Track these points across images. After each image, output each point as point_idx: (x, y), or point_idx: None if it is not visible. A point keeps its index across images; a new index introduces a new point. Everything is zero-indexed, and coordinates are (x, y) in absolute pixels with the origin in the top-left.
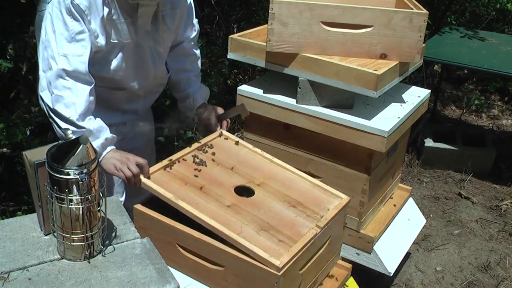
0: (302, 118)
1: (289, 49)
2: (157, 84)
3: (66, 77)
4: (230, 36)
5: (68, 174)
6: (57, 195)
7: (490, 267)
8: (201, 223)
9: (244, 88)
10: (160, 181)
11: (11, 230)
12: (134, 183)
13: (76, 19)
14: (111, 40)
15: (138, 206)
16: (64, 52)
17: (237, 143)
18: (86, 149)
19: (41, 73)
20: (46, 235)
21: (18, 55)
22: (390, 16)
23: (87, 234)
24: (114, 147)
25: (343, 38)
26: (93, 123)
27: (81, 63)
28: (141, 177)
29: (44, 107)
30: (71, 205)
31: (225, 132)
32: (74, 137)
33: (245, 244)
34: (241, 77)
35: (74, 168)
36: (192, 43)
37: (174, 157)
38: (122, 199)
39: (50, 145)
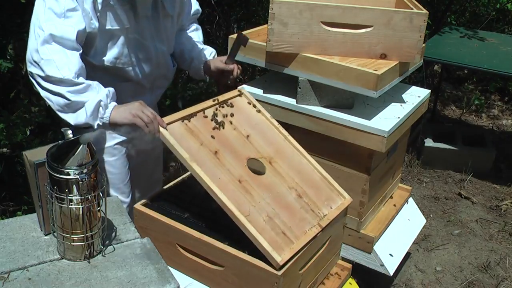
0: (302, 118)
1: (289, 49)
2: (161, 75)
3: (53, 43)
4: (230, 36)
5: (68, 174)
6: (57, 195)
7: (490, 267)
8: (212, 195)
9: (244, 88)
10: (177, 134)
11: (11, 230)
12: (153, 131)
13: None
14: (108, 27)
15: (138, 206)
16: (52, 22)
17: (258, 110)
18: (86, 149)
19: (28, 47)
20: (46, 235)
21: (18, 55)
22: (390, 16)
23: (87, 234)
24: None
25: (343, 38)
26: (91, 81)
27: (70, 31)
28: (161, 129)
29: (35, 84)
30: (71, 205)
31: (247, 94)
32: (72, 137)
33: (252, 231)
34: (241, 77)
35: (74, 168)
36: (190, 18)
37: (193, 109)
38: (128, 200)
39: (50, 145)
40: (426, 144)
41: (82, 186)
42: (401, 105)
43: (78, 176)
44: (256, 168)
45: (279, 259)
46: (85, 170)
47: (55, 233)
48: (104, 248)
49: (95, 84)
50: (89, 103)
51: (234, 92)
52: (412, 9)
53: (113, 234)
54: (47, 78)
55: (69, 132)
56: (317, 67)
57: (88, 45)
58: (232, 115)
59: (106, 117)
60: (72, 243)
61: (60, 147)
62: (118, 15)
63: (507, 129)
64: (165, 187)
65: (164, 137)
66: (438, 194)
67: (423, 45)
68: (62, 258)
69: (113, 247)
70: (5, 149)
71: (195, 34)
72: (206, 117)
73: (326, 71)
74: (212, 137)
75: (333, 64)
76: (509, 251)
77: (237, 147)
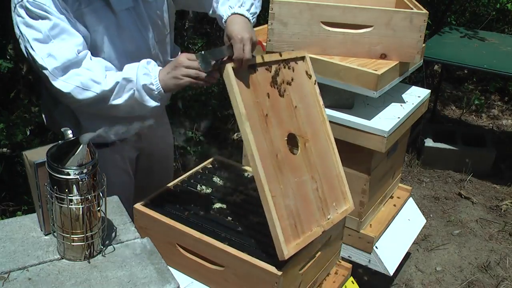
0: None
1: (289, 49)
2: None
3: (62, 73)
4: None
5: (68, 174)
6: (57, 195)
7: (490, 267)
8: (250, 162)
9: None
10: (240, 82)
11: (11, 230)
12: (209, 82)
13: (42, 18)
14: (88, 31)
15: (138, 206)
16: (48, 51)
17: (314, 82)
18: (86, 149)
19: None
20: (46, 235)
21: (18, 55)
22: (390, 16)
23: (87, 234)
24: (159, 67)
25: (343, 38)
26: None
27: (68, 50)
28: (227, 66)
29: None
30: (71, 205)
31: (308, 62)
32: (72, 137)
33: (273, 215)
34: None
35: (74, 168)
36: None
37: (260, 59)
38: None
39: (50, 145)
40: (426, 144)
41: (82, 186)
42: (401, 105)
43: (78, 176)
44: (292, 145)
45: (286, 252)
46: (85, 170)
47: (55, 233)
48: (104, 248)
49: (119, 75)
50: (136, 91)
51: (300, 53)
52: (412, 9)
53: (113, 234)
54: (82, 103)
55: (69, 132)
56: (317, 67)
57: None
58: (292, 79)
59: (157, 86)
60: (72, 243)
61: (60, 147)
62: (93, 17)
63: (507, 129)
64: (165, 187)
65: (227, 79)
66: (438, 194)
67: (423, 45)
68: (62, 258)
69: (113, 247)
70: (5, 149)
71: None
72: (269, 71)
73: (326, 71)
74: (268, 95)
75: (333, 64)
76: (509, 251)
77: (284, 117)
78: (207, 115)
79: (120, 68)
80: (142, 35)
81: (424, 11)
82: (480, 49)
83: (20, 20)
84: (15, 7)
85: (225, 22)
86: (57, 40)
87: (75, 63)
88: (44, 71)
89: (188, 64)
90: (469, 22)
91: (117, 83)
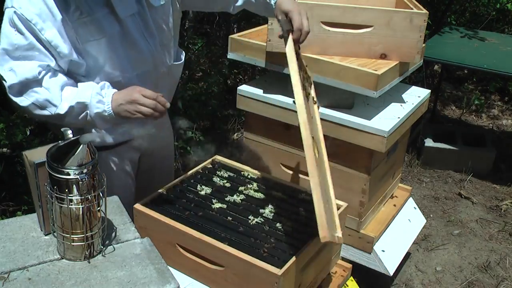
0: None
1: None
2: (163, 74)
3: (19, 89)
4: (230, 36)
5: (68, 174)
6: (57, 195)
7: (490, 267)
8: (305, 148)
9: (244, 88)
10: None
11: (11, 230)
12: (158, 115)
13: (20, 32)
14: (91, 40)
15: (138, 206)
16: (10, 65)
17: (318, 107)
18: (86, 149)
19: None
20: (46, 235)
21: None
22: (390, 16)
23: (87, 234)
24: (114, 90)
25: (343, 38)
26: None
27: (30, 70)
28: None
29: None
30: (71, 205)
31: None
32: (72, 137)
33: (316, 199)
34: (241, 77)
35: (74, 168)
36: None
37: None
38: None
39: (50, 145)
40: (426, 144)
41: (82, 186)
42: (401, 105)
43: (78, 176)
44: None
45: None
46: (85, 170)
47: (55, 233)
48: (104, 248)
49: (73, 98)
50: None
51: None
52: (412, 9)
53: (113, 234)
54: (43, 119)
55: (69, 132)
56: (317, 67)
57: (77, 65)
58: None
59: (110, 113)
60: (72, 243)
61: (60, 147)
62: (97, 25)
63: (507, 129)
64: (165, 187)
65: (289, 51)
66: (438, 194)
67: (423, 45)
68: (62, 258)
69: (113, 247)
70: (5, 149)
71: None
72: (302, 70)
73: (326, 71)
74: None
75: (333, 64)
76: (509, 251)
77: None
78: (207, 115)
79: (119, 76)
80: (146, 40)
81: (424, 11)
82: (480, 49)
83: (5, 21)
84: (10, 6)
85: (275, 3)
86: (23, 58)
87: (34, 82)
88: (4, 82)
89: (142, 102)
90: (469, 22)
91: (71, 107)
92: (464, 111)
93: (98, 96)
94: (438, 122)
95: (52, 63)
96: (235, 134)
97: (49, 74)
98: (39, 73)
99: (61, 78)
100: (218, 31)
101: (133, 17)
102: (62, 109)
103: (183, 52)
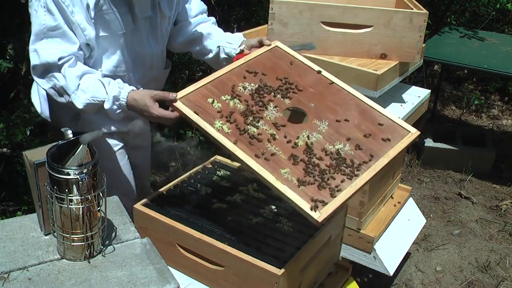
0: None
1: None
2: (154, 78)
3: (40, 71)
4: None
5: (68, 174)
6: (57, 195)
7: (490, 267)
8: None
9: None
10: None
11: (11, 230)
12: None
13: (50, 13)
14: (104, 34)
15: (138, 206)
16: (35, 47)
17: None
18: (86, 149)
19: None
20: (46, 235)
21: (18, 55)
22: (390, 16)
23: (87, 234)
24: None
25: (343, 38)
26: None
27: (52, 54)
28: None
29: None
30: (71, 205)
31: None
32: (72, 137)
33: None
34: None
35: (74, 168)
36: (198, 20)
37: None
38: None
39: (50, 145)
40: (426, 144)
41: (82, 186)
42: (401, 105)
43: (78, 176)
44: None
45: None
46: (85, 170)
47: (55, 233)
48: (104, 248)
49: (89, 94)
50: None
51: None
52: (412, 9)
53: (113, 234)
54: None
55: (69, 132)
56: None
57: (88, 56)
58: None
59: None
60: (72, 243)
61: (60, 147)
62: (115, 20)
63: (507, 129)
64: (165, 187)
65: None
66: (438, 194)
67: (423, 45)
68: (62, 258)
69: (113, 247)
70: (5, 149)
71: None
72: None
73: (326, 71)
74: None
75: (333, 64)
76: (509, 251)
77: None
78: None
79: (121, 72)
80: (150, 44)
81: (424, 11)
82: (480, 49)
83: (36, 3)
84: None
85: (243, 49)
86: (49, 40)
87: (55, 67)
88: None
89: (157, 116)
90: (469, 22)
91: (86, 104)
92: (464, 111)
93: (117, 85)
94: (438, 122)
95: (75, 48)
96: None
97: (69, 62)
98: (59, 59)
99: (81, 67)
100: None
101: (145, 19)
102: (75, 99)
103: (170, 62)
